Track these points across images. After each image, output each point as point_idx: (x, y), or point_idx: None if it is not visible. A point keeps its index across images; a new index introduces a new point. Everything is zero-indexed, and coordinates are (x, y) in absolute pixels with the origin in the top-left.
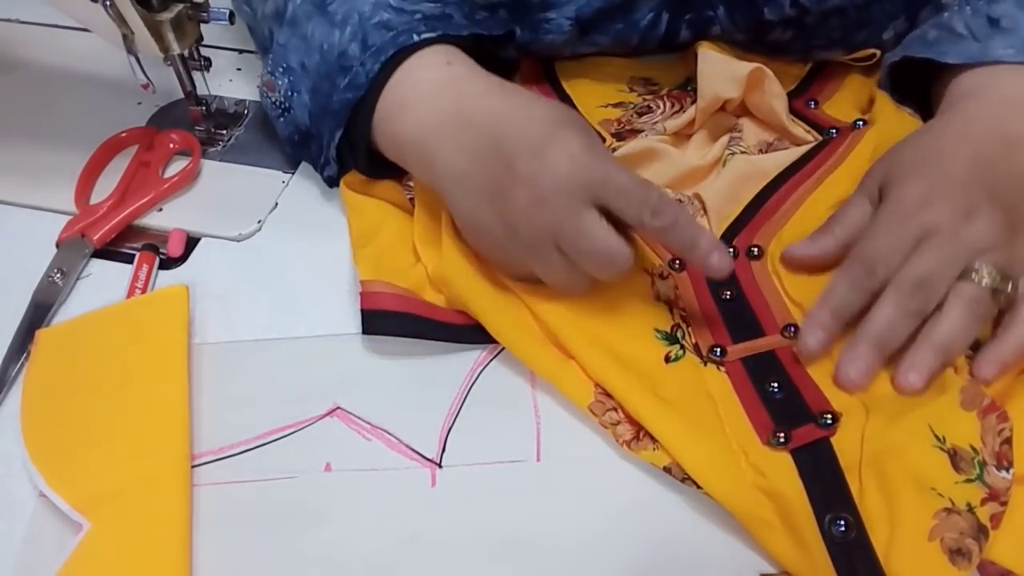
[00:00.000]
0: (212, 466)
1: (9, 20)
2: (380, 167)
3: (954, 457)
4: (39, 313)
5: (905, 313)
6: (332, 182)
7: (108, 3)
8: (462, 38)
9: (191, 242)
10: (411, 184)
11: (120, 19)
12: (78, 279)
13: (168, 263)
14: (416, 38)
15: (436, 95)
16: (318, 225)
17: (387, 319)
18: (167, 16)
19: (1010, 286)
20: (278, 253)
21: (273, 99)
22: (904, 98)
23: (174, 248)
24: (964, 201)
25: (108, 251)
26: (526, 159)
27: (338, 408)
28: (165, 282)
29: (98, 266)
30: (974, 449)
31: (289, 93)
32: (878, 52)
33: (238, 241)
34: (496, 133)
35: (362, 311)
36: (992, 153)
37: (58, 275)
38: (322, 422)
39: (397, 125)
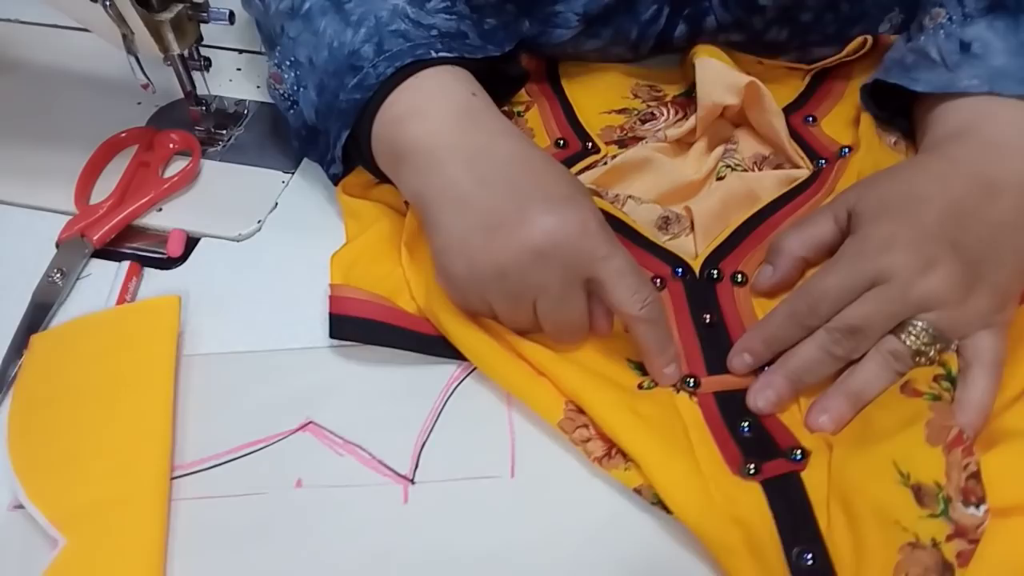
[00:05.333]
0: (184, 481)
1: (9, 20)
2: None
3: (918, 492)
4: (39, 313)
5: (829, 356)
6: (337, 180)
7: (108, 3)
8: (476, 61)
9: (191, 242)
10: None
11: (120, 19)
12: (78, 279)
13: (168, 263)
14: (433, 54)
15: (457, 116)
16: (318, 225)
17: (355, 324)
18: (167, 16)
19: (934, 350)
20: (278, 253)
21: (281, 91)
22: (892, 114)
23: (174, 248)
24: (926, 252)
25: (108, 251)
26: (541, 206)
27: (311, 423)
28: (165, 282)
29: (98, 266)
30: (938, 485)
31: (295, 87)
32: (869, 39)
33: (238, 241)
34: (514, 171)
35: (330, 315)
36: (969, 200)
37: (58, 275)
38: (294, 437)
39: (404, 129)
